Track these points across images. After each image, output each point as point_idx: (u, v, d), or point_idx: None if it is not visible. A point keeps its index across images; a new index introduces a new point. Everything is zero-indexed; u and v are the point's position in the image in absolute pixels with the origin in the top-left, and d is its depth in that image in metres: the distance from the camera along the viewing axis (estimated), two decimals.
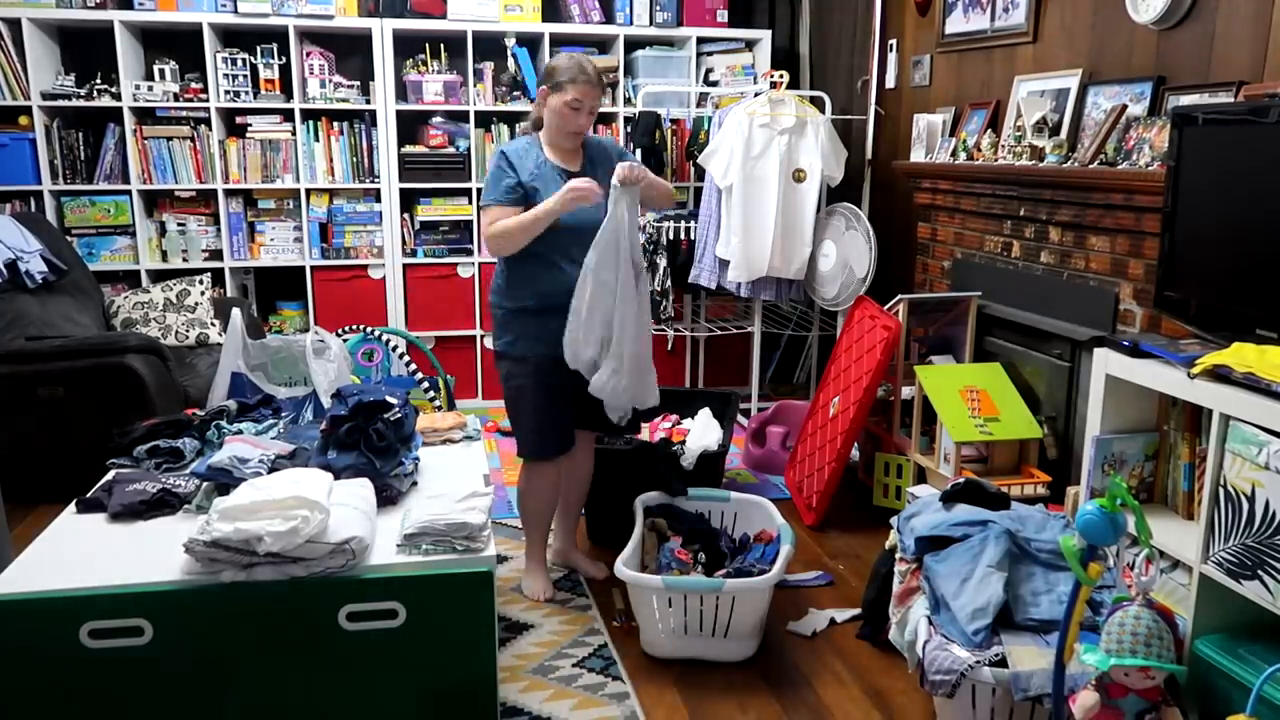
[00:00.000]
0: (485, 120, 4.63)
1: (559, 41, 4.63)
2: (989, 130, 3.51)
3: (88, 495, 2.19)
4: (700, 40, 4.72)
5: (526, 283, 2.62)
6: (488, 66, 4.58)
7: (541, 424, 2.69)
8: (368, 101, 4.50)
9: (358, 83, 4.53)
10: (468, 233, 4.66)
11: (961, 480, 2.53)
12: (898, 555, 2.42)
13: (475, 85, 4.54)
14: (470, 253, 4.67)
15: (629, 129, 4.54)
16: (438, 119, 4.58)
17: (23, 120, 4.21)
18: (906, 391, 3.44)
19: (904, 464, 3.40)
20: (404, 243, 4.62)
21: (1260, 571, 1.86)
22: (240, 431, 2.46)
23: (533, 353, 2.63)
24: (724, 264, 4.19)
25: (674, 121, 4.63)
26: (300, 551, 1.85)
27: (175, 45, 4.41)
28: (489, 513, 2.08)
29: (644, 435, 3.49)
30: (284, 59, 4.41)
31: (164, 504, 2.14)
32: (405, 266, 4.62)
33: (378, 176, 4.54)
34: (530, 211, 2.51)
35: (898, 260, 4.24)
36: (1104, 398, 2.33)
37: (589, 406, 2.68)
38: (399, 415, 2.28)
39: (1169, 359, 2.14)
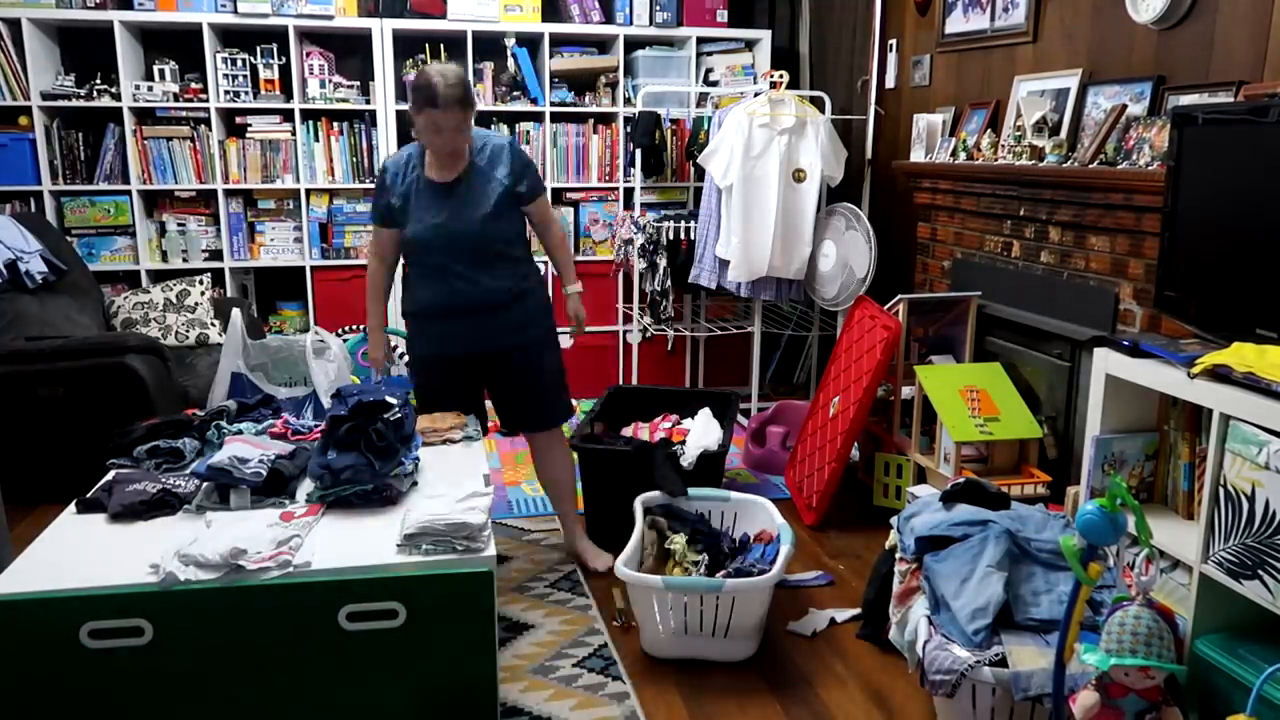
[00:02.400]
0: (485, 120, 4.62)
1: (559, 41, 4.63)
2: (989, 130, 3.51)
3: (88, 495, 2.19)
4: (700, 40, 4.72)
5: (408, 290, 2.86)
6: (488, 66, 4.58)
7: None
8: (368, 101, 4.51)
9: (358, 83, 4.53)
10: None
11: (961, 480, 2.53)
12: (898, 555, 2.42)
13: (475, 85, 4.54)
14: None
15: (629, 129, 4.54)
16: None
17: (23, 120, 4.21)
18: (906, 391, 3.44)
19: (904, 464, 3.40)
20: None
21: (1260, 571, 1.86)
22: (240, 431, 2.46)
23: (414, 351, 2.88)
24: (724, 264, 4.19)
25: (674, 121, 4.64)
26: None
27: (175, 45, 4.41)
28: (489, 513, 2.08)
29: (644, 435, 3.49)
30: (284, 59, 4.41)
31: (164, 504, 2.13)
32: (405, 267, 4.60)
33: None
34: (372, 306, 2.89)
35: (898, 260, 4.24)
36: (1104, 398, 2.33)
37: (510, 408, 2.92)
38: (399, 415, 2.28)
39: (1169, 359, 2.14)
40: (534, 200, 2.79)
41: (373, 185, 4.49)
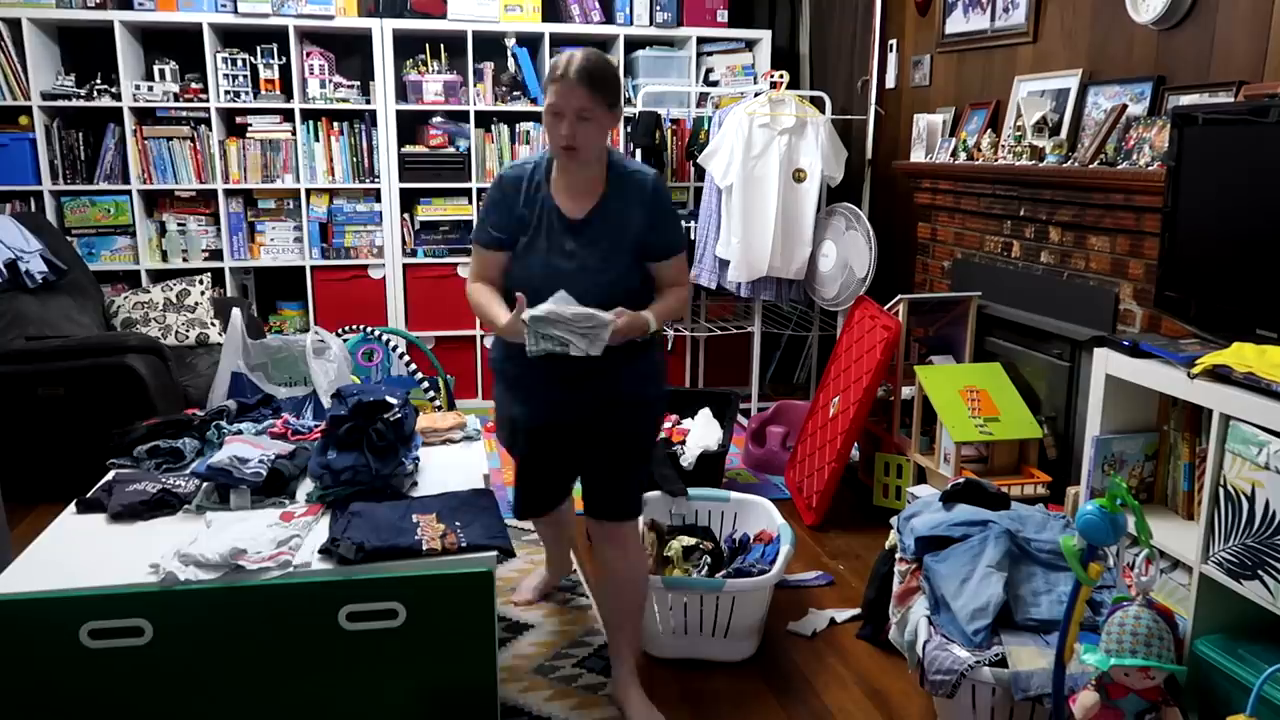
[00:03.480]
0: (485, 120, 4.63)
1: (559, 41, 4.63)
2: (989, 130, 3.51)
3: (88, 495, 2.19)
4: (700, 40, 4.72)
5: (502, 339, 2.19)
6: (488, 66, 4.58)
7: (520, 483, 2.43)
8: (368, 101, 4.50)
9: (358, 83, 4.53)
10: (467, 232, 4.65)
11: (961, 480, 2.53)
12: (898, 555, 2.42)
13: (475, 85, 4.54)
14: (470, 253, 4.66)
15: (629, 129, 4.54)
16: (438, 119, 4.58)
17: (23, 120, 4.21)
18: (906, 391, 3.44)
19: (904, 464, 3.40)
20: (404, 243, 4.62)
21: (1260, 571, 1.86)
22: (240, 431, 2.46)
23: (506, 413, 2.33)
24: (724, 264, 4.19)
25: (674, 121, 4.64)
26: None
27: (175, 45, 4.41)
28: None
29: None
30: (284, 59, 4.41)
31: (164, 504, 2.14)
32: (405, 266, 4.62)
33: (378, 176, 4.54)
34: (488, 309, 2.11)
35: (898, 260, 4.24)
36: (1104, 398, 2.33)
37: (596, 484, 2.24)
38: (399, 415, 2.28)
39: (1169, 359, 2.14)
40: (667, 258, 2.13)
41: (373, 185, 4.56)
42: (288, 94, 4.45)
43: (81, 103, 4.23)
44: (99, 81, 4.27)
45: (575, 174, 2.09)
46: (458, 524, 2.04)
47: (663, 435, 3.47)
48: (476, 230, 2.21)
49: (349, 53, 4.65)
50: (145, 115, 4.36)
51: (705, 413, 3.51)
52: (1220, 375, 1.98)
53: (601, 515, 2.22)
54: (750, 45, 4.83)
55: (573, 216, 2.09)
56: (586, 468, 2.24)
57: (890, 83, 4.34)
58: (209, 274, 4.30)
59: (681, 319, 2.05)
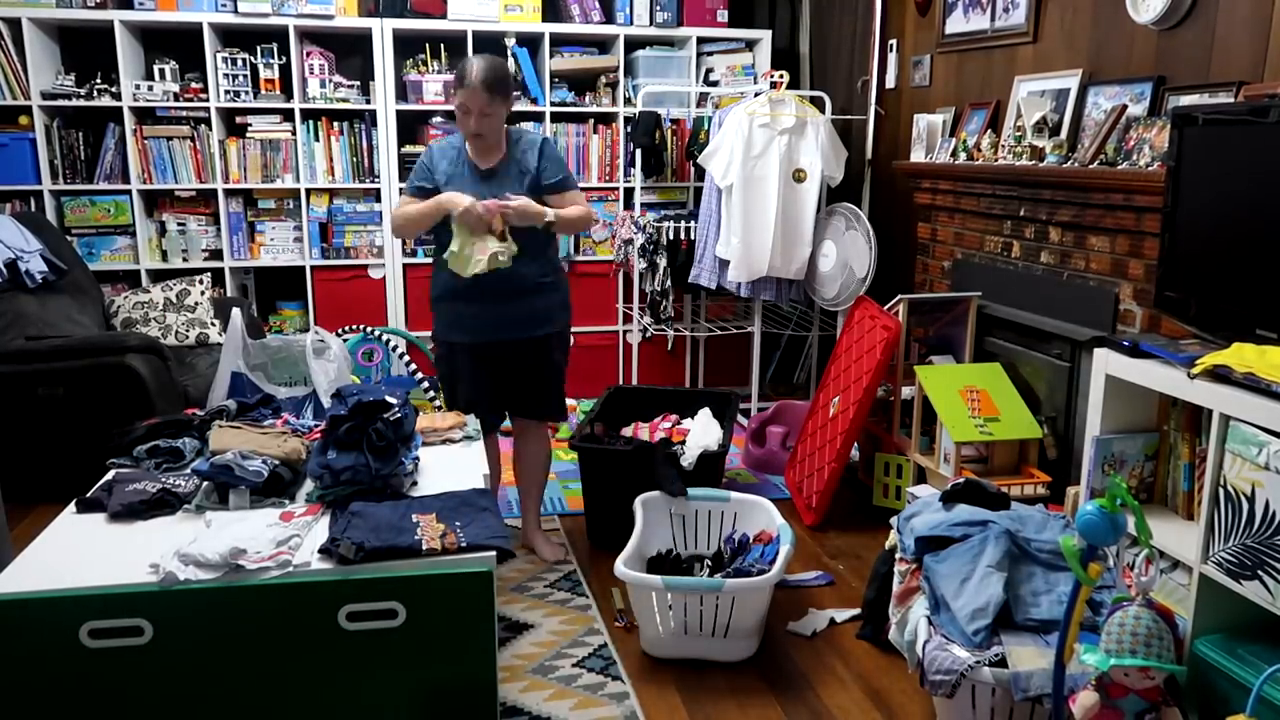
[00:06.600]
0: None
1: (559, 41, 4.63)
2: (989, 130, 3.51)
3: (88, 495, 2.19)
4: (700, 40, 4.72)
5: (436, 274, 2.92)
6: None
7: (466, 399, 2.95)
8: (368, 101, 4.50)
9: (358, 83, 4.53)
10: None
11: (961, 480, 2.53)
12: (898, 555, 2.42)
13: None
14: None
15: (629, 129, 4.54)
16: (438, 119, 4.58)
17: (23, 120, 4.21)
18: (906, 391, 3.44)
19: (904, 464, 3.40)
20: (404, 243, 4.62)
21: (1260, 571, 1.86)
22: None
23: (444, 337, 2.95)
24: (724, 264, 4.19)
25: (674, 121, 4.64)
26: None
27: (175, 45, 4.41)
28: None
29: (644, 435, 3.49)
30: (284, 59, 4.41)
31: (164, 504, 2.13)
32: (405, 266, 4.62)
33: (378, 176, 4.54)
34: (424, 204, 2.77)
35: (898, 260, 4.24)
36: (1104, 398, 2.33)
37: (513, 394, 3.00)
38: (399, 415, 2.28)
39: (1169, 359, 2.14)
40: (562, 192, 2.84)
41: (373, 185, 4.56)
42: (288, 94, 4.45)
43: (81, 102, 4.23)
44: (99, 81, 4.27)
45: (483, 147, 2.78)
46: (457, 524, 2.04)
47: (662, 435, 3.47)
48: (409, 183, 2.88)
49: (349, 53, 4.65)
50: (145, 115, 4.36)
51: (705, 413, 3.51)
52: (1220, 375, 1.98)
53: (525, 416, 3.05)
54: (750, 45, 4.83)
55: (483, 167, 2.79)
56: (515, 385, 2.96)
57: (890, 83, 4.34)
58: (209, 274, 4.30)
59: (587, 228, 3.07)
